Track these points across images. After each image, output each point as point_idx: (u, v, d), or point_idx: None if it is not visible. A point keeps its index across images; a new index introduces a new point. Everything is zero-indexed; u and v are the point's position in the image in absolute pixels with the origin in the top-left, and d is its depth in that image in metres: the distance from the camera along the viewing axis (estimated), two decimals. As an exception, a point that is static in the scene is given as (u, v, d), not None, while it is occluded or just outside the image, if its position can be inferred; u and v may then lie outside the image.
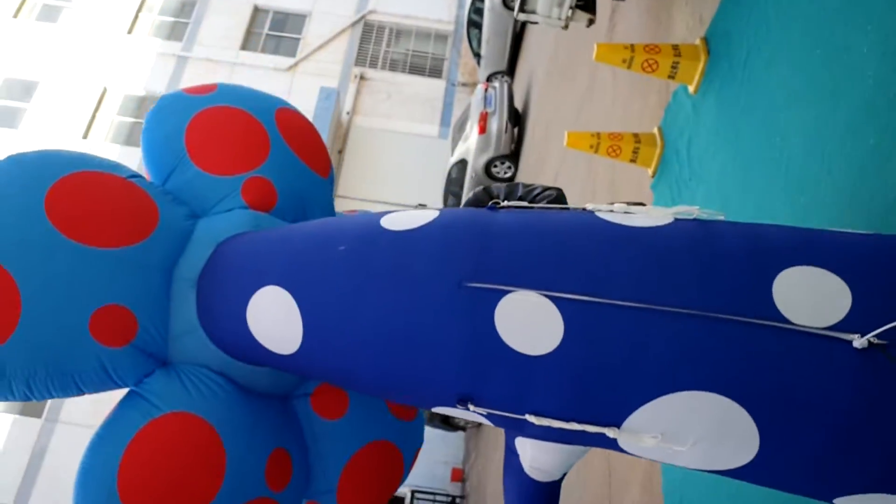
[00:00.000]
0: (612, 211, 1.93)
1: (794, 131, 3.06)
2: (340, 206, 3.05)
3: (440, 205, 14.64)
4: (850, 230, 1.95)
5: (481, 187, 2.45)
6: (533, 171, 10.83)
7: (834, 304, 1.69)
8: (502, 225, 1.86)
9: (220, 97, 2.52)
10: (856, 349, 1.64)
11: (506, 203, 1.98)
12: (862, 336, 1.64)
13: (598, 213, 1.91)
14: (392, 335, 1.82)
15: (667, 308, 1.69)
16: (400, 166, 18.35)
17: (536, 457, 1.99)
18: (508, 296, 1.73)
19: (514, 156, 13.04)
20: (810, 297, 1.71)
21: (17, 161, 2.10)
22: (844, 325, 1.67)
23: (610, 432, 1.76)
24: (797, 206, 2.94)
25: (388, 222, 1.94)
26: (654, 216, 1.91)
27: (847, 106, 2.71)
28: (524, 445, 1.99)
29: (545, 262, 1.77)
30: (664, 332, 1.69)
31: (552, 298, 1.72)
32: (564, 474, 2.09)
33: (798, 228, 1.91)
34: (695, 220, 1.91)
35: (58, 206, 1.99)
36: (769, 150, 3.24)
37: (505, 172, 13.09)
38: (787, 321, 1.67)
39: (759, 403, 1.69)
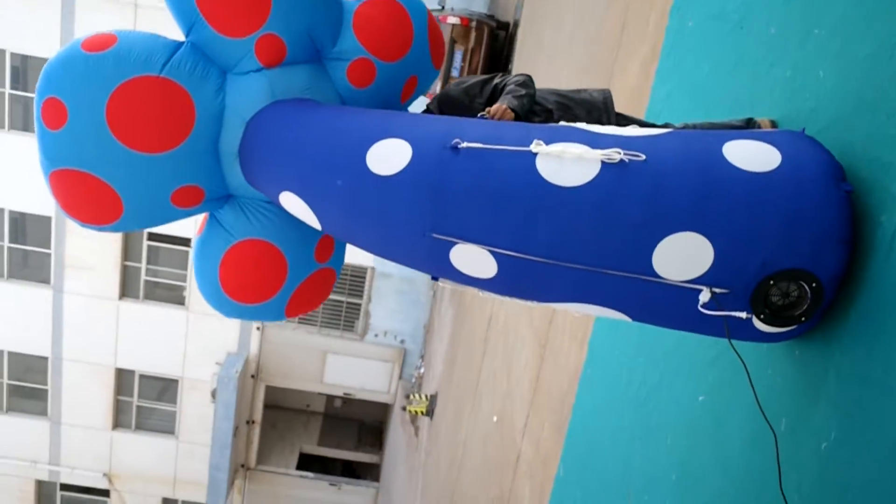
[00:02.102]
0: (549, 154, 2.36)
1: None
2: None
3: None
4: (747, 168, 2.33)
5: (455, 84, 2.71)
6: None
7: (698, 263, 2.34)
8: (459, 182, 2.38)
9: None
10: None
11: (465, 144, 2.40)
12: (709, 289, 2.35)
13: (538, 161, 2.36)
14: (381, 252, 2.60)
15: (569, 264, 2.37)
16: None
17: None
18: (458, 245, 2.43)
19: None
20: (681, 259, 2.35)
21: (67, 72, 2.56)
22: (701, 279, 2.35)
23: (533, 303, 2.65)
24: None
25: (373, 162, 2.45)
26: (586, 159, 2.36)
27: None
28: None
29: (485, 225, 2.39)
30: (566, 278, 2.42)
31: (489, 251, 2.40)
32: None
33: (700, 178, 2.33)
34: (619, 163, 2.35)
35: (118, 125, 2.57)
36: None
37: None
38: (659, 276, 2.35)
39: (633, 313, 2.52)
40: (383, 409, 20.18)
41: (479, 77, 2.94)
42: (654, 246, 2.32)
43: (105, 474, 17.40)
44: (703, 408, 3.37)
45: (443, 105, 2.96)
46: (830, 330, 2.49)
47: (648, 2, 5.06)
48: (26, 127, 14.79)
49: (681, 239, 2.32)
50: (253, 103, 2.74)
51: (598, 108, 2.97)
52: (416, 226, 2.44)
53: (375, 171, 2.46)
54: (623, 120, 3.01)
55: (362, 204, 2.51)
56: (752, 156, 2.39)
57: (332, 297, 16.80)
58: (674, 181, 2.35)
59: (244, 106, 2.74)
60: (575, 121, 2.86)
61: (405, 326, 17.36)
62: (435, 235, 2.43)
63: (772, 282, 2.33)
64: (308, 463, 19.54)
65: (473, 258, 2.45)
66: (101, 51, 2.59)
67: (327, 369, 17.28)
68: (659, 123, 3.11)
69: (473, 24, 11.12)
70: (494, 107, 2.71)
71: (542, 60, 8.75)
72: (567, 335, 5.89)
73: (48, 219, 15.16)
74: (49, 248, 15.54)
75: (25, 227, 15.69)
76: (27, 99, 14.80)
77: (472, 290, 2.70)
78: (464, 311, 12.03)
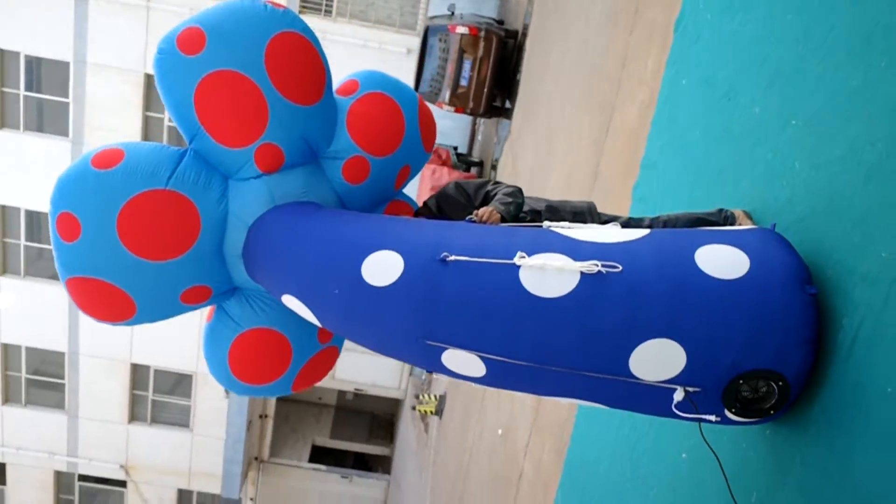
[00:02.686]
0: (532, 267, 2.53)
1: None
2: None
3: None
4: (717, 276, 2.49)
5: (453, 184, 2.88)
6: None
7: (672, 366, 2.52)
8: (448, 294, 2.56)
9: (212, 57, 2.73)
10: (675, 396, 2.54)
11: (453, 258, 2.57)
12: (682, 388, 2.52)
13: (521, 273, 2.52)
14: (377, 350, 2.80)
15: (552, 367, 2.55)
16: None
17: None
18: (449, 350, 2.61)
19: None
20: (655, 363, 2.53)
21: (79, 188, 2.72)
22: (675, 380, 2.52)
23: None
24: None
25: (367, 274, 2.63)
26: (567, 271, 2.52)
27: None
28: None
29: (473, 333, 2.57)
30: (549, 378, 2.60)
31: (477, 355, 2.58)
32: None
33: (673, 287, 2.49)
34: (597, 274, 2.51)
35: (128, 237, 2.73)
36: None
37: None
38: (635, 377, 2.53)
39: (613, 405, 2.70)
40: (394, 402, 20.47)
41: (475, 181, 3.14)
42: (631, 352, 2.49)
43: (122, 466, 17.80)
44: (686, 465, 3.54)
45: (441, 202, 3.16)
46: (798, 418, 2.66)
47: (646, 47, 5.19)
48: (41, 128, 15.05)
49: (655, 345, 2.48)
50: (254, 209, 2.90)
51: (583, 213, 3.15)
52: (409, 333, 2.63)
53: (370, 282, 2.64)
54: (606, 217, 3.18)
55: (358, 312, 2.69)
56: (722, 263, 2.54)
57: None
58: (648, 291, 2.50)
59: (246, 212, 2.90)
60: (560, 221, 3.04)
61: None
62: (427, 342, 2.61)
63: (741, 381, 2.50)
64: (320, 455, 19.90)
65: (463, 361, 2.64)
66: (110, 168, 2.73)
67: (339, 365, 17.51)
68: (635, 218, 3.27)
69: (482, 33, 11.20)
70: (482, 210, 2.88)
71: (549, 82, 8.86)
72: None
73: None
74: (65, 246, 15.85)
75: (41, 224, 15.99)
76: (41, 100, 15.05)
77: (466, 384, 2.88)
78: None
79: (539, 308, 2.51)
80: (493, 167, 12.98)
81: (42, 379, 17.17)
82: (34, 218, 15.85)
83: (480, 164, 14.27)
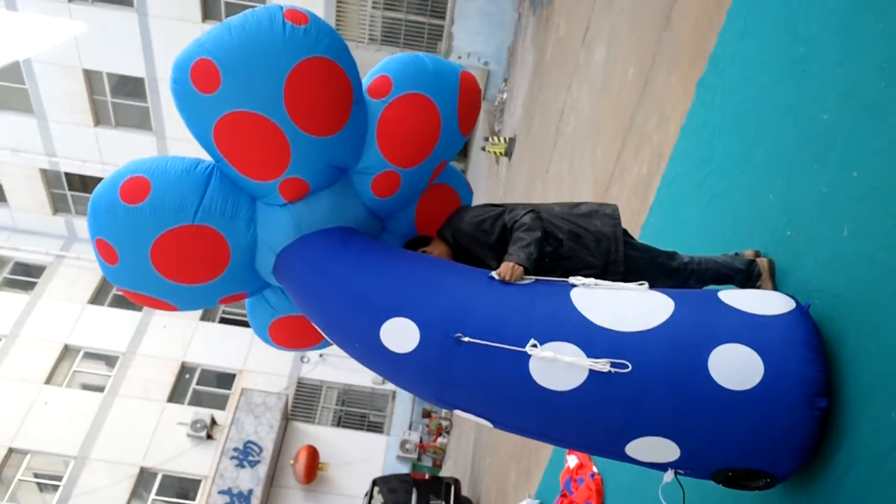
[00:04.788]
0: (543, 358, 2.58)
1: None
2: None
3: None
4: (727, 386, 2.50)
5: (469, 222, 2.97)
6: None
7: (665, 456, 2.69)
8: (460, 373, 2.69)
9: (228, 97, 2.61)
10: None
11: (467, 339, 2.62)
12: (673, 471, 2.72)
13: (531, 363, 2.58)
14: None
15: (552, 443, 2.75)
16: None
17: None
18: (460, 410, 2.80)
19: None
20: (649, 452, 2.69)
21: (111, 220, 2.80)
22: (667, 465, 2.70)
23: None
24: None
25: (385, 338, 2.75)
26: (578, 366, 2.57)
27: None
28: None
29: (481, 408, 2.78)
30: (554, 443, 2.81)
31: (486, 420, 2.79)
32: None
33: (679, 395, 2.52)
34: (607, 373, 2.56)
35: (162, 268, 2.90)
36: None
37: None
38: (629, 457, 2.72)
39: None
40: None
41: (489, 211, 3.01)
42: (627, 443, 2.64)
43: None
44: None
45: (458, 237, 3.10)
46: (787, 494, 2.78)
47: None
48: None
49: (652, 440, 2.61)
50: (280, 238, 2.96)
51: (608, 238, 3.03)
52: (423, 393, 2.83)
53: (388, 347, 2.76)
54: (631, 249, 3.09)
55: (377, 366, 2.87)
56: (735, 370, 2.51)
57: (414, 18, 16.47)
58: (653, 395, 2.55)
59: (273, 240, 2.97)
60: (584, 251, 2.98)
61: (488, 48, 16.99)
62: (440, 401, 2.81)
63: (730, 473, 2.63)
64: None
65: (474, 417, 2.83)
66: (138, 203, 2.76)
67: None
68: (666, 254, 3.15)
69: None
70: (504, 269, 2.80)
71: None
72: (628, 188, 5.99)
73: None
74: None
75: None
76: None
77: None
78: (542, 71, 11.75)
79: (545, 399, 2.62)
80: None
81: (127, 102, 17.83)
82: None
83: None
